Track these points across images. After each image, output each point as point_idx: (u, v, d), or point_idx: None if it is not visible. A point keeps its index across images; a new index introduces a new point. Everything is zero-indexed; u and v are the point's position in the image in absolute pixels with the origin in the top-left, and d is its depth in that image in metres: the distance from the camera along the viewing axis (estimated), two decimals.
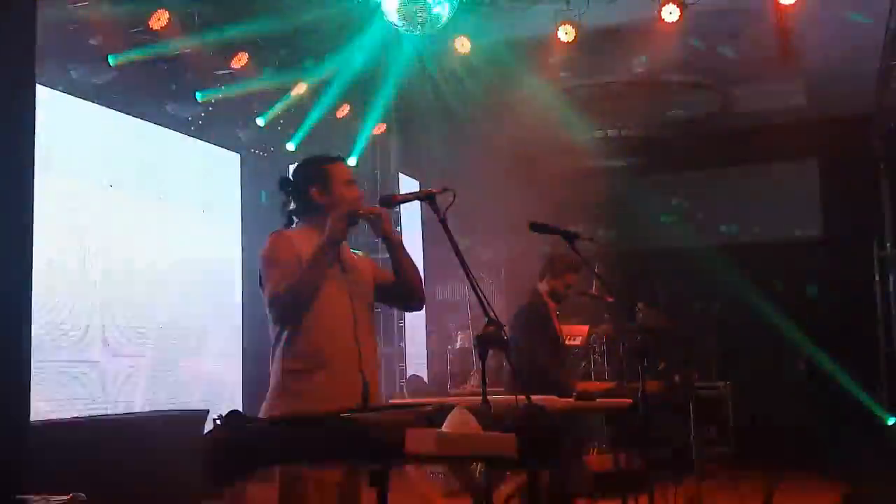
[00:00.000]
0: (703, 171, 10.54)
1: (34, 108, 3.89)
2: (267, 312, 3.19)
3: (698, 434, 6.42)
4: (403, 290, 3.42)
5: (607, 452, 7.91)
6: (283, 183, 3.43)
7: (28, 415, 3.35)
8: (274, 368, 3.17)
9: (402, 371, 11.38)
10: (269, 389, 3.15)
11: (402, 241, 3.44)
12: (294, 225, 3.38)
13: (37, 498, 2.42)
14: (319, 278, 3.15)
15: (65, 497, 2.47)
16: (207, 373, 8.54)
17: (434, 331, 11.59)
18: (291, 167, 8.47)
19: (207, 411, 7.90)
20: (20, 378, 3.26)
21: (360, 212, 3.30)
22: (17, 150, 3.68)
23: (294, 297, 3.10)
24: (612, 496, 6.87)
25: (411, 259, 3.43)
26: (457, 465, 5.39)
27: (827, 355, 9.34)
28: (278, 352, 3.15)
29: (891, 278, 9.53)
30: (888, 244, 9.49)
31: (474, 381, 9.42)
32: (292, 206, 3.40)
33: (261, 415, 3.06)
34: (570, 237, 4.19)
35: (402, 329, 11.56)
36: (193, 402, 7.97)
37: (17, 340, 3.31)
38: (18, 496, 2.42)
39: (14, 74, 3.76)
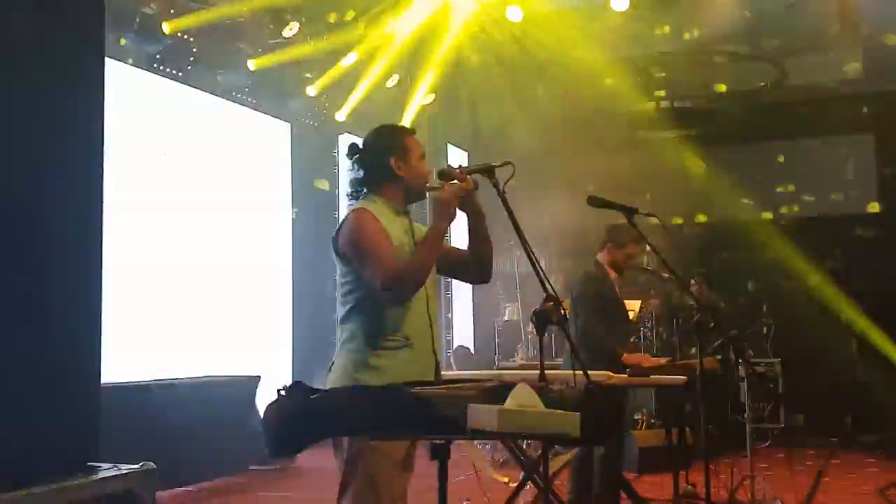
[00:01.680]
0: (757, 143, 10.36)
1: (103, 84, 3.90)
2: (368, 288, 3.07)
3: (751, 411, 6.35)
4: (479, 265, 3.36)
5: (656, 428, 7.88)
6: (354, 150, 3.32)
7: (99, 379, 3.39)
8: (350, 343, 3.11)
9: (450, 342, 11.42)
10: (344, 363, 3.09)
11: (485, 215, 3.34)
12: (363, 196, 3.27)
13: (108, 466, 2.45)
14: (436, 258, 3.13)
15: (135, 466, 2.50)
16: (258, 342, 8.62)
17: (481, 302, 11.60)
18: (344, 137, 8.47)
19: (259, 377, 8.03)
20: (92, 342, 3.31)
21: (466, 186, 3.19)
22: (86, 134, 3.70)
23: (416, 277, 3.05)
24: (661, 472, 6.86)
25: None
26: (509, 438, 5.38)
27: (880, 332, 9.18)
28: (356, 327, 3.09)
29: None
30: None
31: (521, 354, 9.42)
32: (361, 174, 3.29)
33: (328, 386, 3.05)
34: (630, 212, 4.14)
35: (449, 300, 11.59)
36: (245, 371, 8.07)
37: (88, 303, 3.35)
38: (90, 463, 2.45)
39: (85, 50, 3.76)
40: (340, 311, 3.17)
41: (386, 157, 3.23)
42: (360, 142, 3.38)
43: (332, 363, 3.15)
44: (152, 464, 2.54)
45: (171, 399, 7.05)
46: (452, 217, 3.15)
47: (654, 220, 4.31)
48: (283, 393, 2.71)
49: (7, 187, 3.20)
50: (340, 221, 3.20)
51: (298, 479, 7.39)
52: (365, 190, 3.27)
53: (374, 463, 2.96)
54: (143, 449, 5.67)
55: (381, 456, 2.97)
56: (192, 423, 6.99)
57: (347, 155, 3.33)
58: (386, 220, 3.15)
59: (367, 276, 3.05)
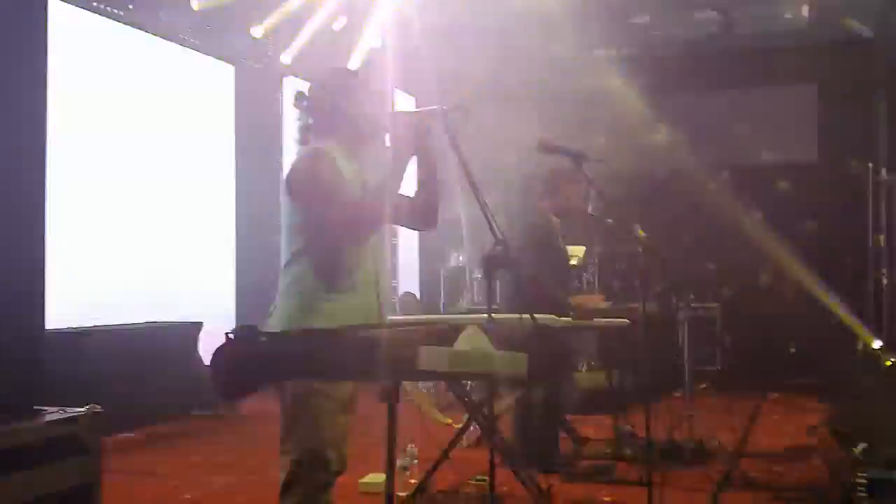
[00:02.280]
0: (701, 92, 10.46)
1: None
2: (318, 230, 3.03)
3: (690, 353, 6.51)
4: (426, 212, 3.30)
5: (598, 370, 8.04)
6: (302, 96, 3.25)
7: (43, 324, 3.35)
8: (296, 287, 3.08)
9: (395, 288, 11.45)
10: (289, 306, 3.06)
11: None
12: (312, 140, 3.21)
13: (53, 409, 2.44)
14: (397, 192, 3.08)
15: (81, 409, 2.48)
16: (201, 285, 8.55)
17: (427, 248, 11.63)
18: (289, 79, 8.30)
19: (201, 323, 7.98)
20: (34, 288, 3.26)
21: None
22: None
23: (378, 214, 3.04)
24: (602, 413, 7.03)
25: None
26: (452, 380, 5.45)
27: (818, 279, 9.43)
28: (303, 271, 3.06)
29: (883, 204, 9.56)
30: (883, 170, 9.50)
31: (467, 300, 9.50)
32: (310, 121, 3.23)
33: (274, 329, 3.04)
34: (579, 158, 4.18)
35: (394, 246, 11.59)
36: (189, 315, 8.01)
37: (31, 251, 3.29)
38: (36, 406, 2.43)
39: None
40: (285, 255, 3.12)
41: (336, 100, 3.18)
42: (305, 88, 3.32)
43: (274, 307, 3.10)
44: (98, 407, 2.52)
45: (112, 345, 6.99)
46: (412, 152, 3.11)
47: (603, 165, 4.35)
48: (231, 336, 2.71)
49: None
50: (294, 161, 3.14)
51: (242, 424, 7.42)
52: (313, 135, 3.22)
53: (318, 405, 2.96)
54: (86, 395, 5.66)
55: (325, 398, 2.97)
56: (135, 368, 6.95)
57: (295, 103, 3.26)
58: (339, 163, 3.11)
59: (324, 215, 3.00)
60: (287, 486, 3.00)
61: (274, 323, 3.02)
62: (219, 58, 9.06)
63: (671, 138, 9.59)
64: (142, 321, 7.64)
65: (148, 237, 7.88)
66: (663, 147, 9.52)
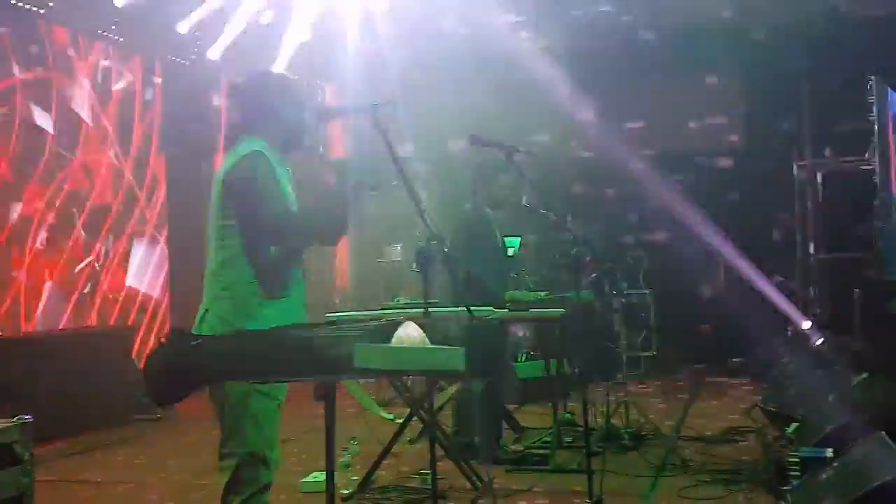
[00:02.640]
0: (627, 80, 10.55)
1: None
2: (253, 236, 3.03)
3: (625, 339, 6.61)
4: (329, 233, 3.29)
5: (536, 359, 8.11)
6: (237, 91, 3.26)
7: None
8: (228, 292, 3.04)
9: (331, 284, 11.38)
10: (221, 312, 3.02)
11: None
12: (244, 139, 3.16)
13: None
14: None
15: (11, 420, 2.42)
16: (134, 291, 8.40)
17: (363, 244, 11.57)
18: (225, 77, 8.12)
19: (135, 328, 7.84)
20: None
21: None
22: None
23: (309, 236, 3.15)
24: (541, 402, 7.09)
25: None
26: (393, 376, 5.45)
27: (748, 262, 9.64)
28: (236, 275, 3.03)
29: (808, 189, 9.80)
30: (807, 155, 9.74)
31: (405, 294, 9.46)
32: (241, 117, 3.21)
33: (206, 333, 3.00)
34: (509, 151, 4.20)
35: None
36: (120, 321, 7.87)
37: None
38: None
39: None
40: (217, 259, 3.08)
41: (272, 100, 3.17)
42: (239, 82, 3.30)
43: (205, 312, 3.06)
44: (28, 417, 2.47)
45: (47, 351, 6.86)
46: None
47: (533, 157, 4.38)
48: (164, 341, 2.67)
49: None
50: (233, 161, 3.08)
51: (181, 426, 7.30)
52: (244, 133, 3.18)
53: (259, 405, 2.97)
54: (23, 403, 5.53)
55: (265, 397, 2.98)
56: (71, 374, 6.81)
57: (229, 94, 3.28)
58: (274, 168, 3.09)
59: (262, 224, 3.00)
60: (230, 488, 3.00)
61: (207, 328, 2.98)
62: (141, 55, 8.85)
63: (600, 127, 9.69)
64: (76, 327, 7.50)
65: (82, 241, 7.70)
66: (593, 136, 9.60)
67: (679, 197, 9.60)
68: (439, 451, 5.22)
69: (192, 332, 2.95)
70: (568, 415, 6.30)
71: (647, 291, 8.80)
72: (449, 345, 2.49)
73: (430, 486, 5.03)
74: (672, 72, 10.07)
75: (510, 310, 5.33)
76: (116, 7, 7.81)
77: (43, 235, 7.29)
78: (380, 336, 2.45)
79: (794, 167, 9.81)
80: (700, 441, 6.11)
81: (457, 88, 9.01)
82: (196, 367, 2.37)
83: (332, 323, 3.18)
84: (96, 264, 7.87)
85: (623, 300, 6.60)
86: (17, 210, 7.06)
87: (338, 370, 2.36)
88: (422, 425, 5.89)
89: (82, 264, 7.72)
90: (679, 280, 9.40)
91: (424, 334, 2.44)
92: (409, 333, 2.42)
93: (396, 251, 9.66)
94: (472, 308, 3.45)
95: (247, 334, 2.77)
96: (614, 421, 6.11)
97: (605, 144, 9.72)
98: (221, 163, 3.19)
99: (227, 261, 3.06)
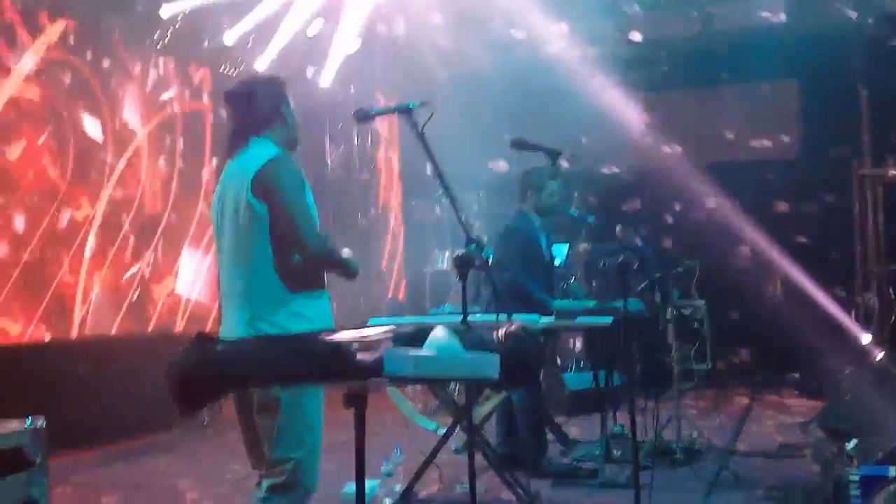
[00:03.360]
0: (683, 90, 10.38)
1: None
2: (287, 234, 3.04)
3: (677, 352, 6.43)
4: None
5: (586, 370, 7.96)
6: (240, 96, 3.27)
7: None
8: (275, 288, 3.03)
9: (381, 294, 11.36)
10: (256, 310, 2.99)
11: None
12: (257, 142, 3.16)
13: None
14: None
15: (21, 423, 2.38)
16: (182, 299, 8.44)
17: (412, 252, 11.54)
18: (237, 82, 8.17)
19: (182, 336, 7.85)
20: None
21: None
22: None
23: (327, 269, 3.15)
24: (590, 413, 6.95)
25: None
26: (435, 384, 5.36)
27: (804, 274, 9.39)
28: (281, 272, 3.03)
29: (868, 197, 9.51)
30: (867, 164, 9.45)
31: (452, 302, 9.39)
32: (246, 119, 3.22)
33: (231, 335, 2.97)
34: (554, 154, 4.10)
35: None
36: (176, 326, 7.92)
37: None
38: None
39: None
40: (245, 256, 3.05)
41: (278, 103, 3.24)
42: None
43: (236, 310, 3.04)
44: (41, 419, 2.42)
45: (95, 357, 6.92)
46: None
47: (579, 162, 4.27)
48: (186, 347, 2.61)
49: None
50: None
51: (220, 435, 7.26)
52: (254, 136, 3.18)
53: (310, 404, 3.00)
54: (68, 407, 5.56)
55: (315, 398, 3.02)
56: (117, 380, 6.86)
57: (226, 99, 3.29)
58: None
59: (297, 235, 3.01)
60: (280, 490, 3.01)
61: (233, 327, 2.94)
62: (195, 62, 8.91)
63: (652, 136, 9.52)
64: (124, 333, 7.54)
65: (133, 248, 7.76)
66: (645, 145, 9.44)
67: (735, 207, 9.39)
68: (484, 463, 5.15)
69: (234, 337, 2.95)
70: (618, 428, 6.15)
71: (700, 303, 8.59)
72: (485, 351, 2.40)
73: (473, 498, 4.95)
74: (727, 78, 9.88)
75: (556, 318, 5.21)
76: (165, 18, 7.88)
77: (93, 242, 7.35)
78: (411, 341, 2.37)
79: (854, 176, 9.52)
80: (755, 457, 5.92)
81: (503, 95, 8.94)
82: (220, 373, 2.30)
83: (368, 327, 3.10)
84: (145, 272, 7.92)
85: (675, 311, 6.41)
86: (67, 215, 7.12)
87: (367, 375, 2.27)
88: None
89: (131, 271, 7.77)
90: (735, 292, 9.19)
91: (457, 340, 2.34)
92: (442, 339, 2.32)
93: (444, 259, 9.58)
94: (514, 316, 3.36)
95: (272, 339, 2.72)
96: (665, 435, 5.95)
97: (659, 153, 9.57)
98: (234, 164, 3.17)
99: (258, 258, 3.03)
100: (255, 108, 3.20)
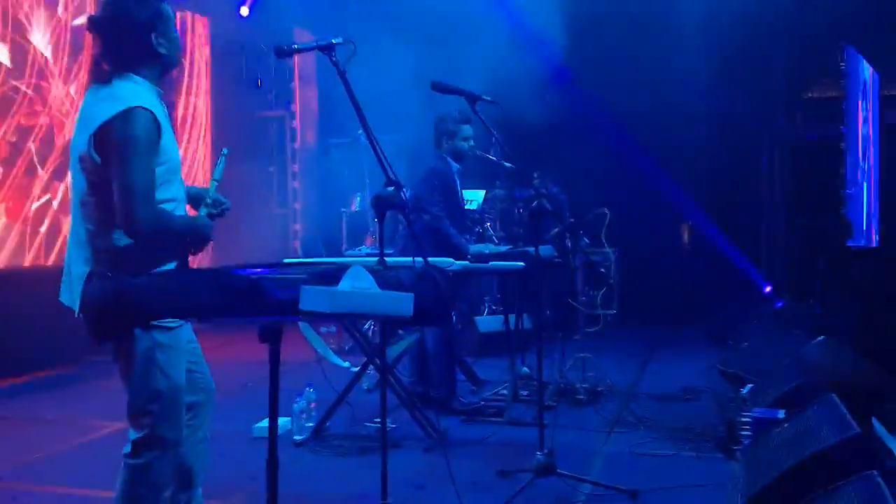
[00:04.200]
0: (604, 42, 10.40)
1: None
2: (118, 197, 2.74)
3: (585, 296, 6.60)
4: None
5: (498, 314, 8.11)
6: (100, 23, 2.87)
7: None
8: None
9: (297, 232, 11.29)
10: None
11: None
12: (117, 76, 2.83)
13: None
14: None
15: None
16: None
17: (329, 193, 11.46)
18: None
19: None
20: None
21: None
22: None
23: (156, 236, 2.80)
24: (500, 355, 7.10)
25: None
26: (350, 323, 5.42)
27: (713, 224, 9.67)
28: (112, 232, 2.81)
29: (776, 153, 9.82)
30: (779, 121, 9.73)
31: (369, 244, 9.40)
32: (110, 50, 2.85)
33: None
34: (473, 98, 4.13)
35: (295, 191, 11.40)
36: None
37: None
38: None
39: None
40: (82, 211, 2.88)
41: (147, 33, 2.85)
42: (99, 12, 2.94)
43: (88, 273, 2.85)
44: None
45: (4, 289, 6.78)
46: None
47: (498, 107, 4.30)
48: (108, 275, 2.59)
49: None
50: (114, 113, 2.72)
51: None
52: (114, 69, 2.83)
53: (163, 356, 2.86)
54: None
55: (170, 349, 2.88)
56: (26, 313, 6.73)
57: (89, 28, 2.89)
58: (158, 110, 2.81)
59: (120, 198, 2.71)
60: (144, 444, 2.89)
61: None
62: None
63: (573, 83, 9.59)
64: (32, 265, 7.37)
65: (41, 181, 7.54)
66: (564, 92, 9.50)
67: (648, 158, 9.57)
68: (396, 401, 5.24)
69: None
70: (525, 369, 6.31)
71: (609, 250, 8.78)
72: (400, 290, 2.44)
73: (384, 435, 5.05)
74: (640, 30, 9.94)
75: (471, 262, 5.30)
76: None
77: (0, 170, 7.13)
78: (327, 279, 2.39)
79: (766, 131, 9.80)
80: (655, 399, 6.15)
81: (425, 36, 8.85)
82: (136, 303, 2.29)
83: (284, 264, 3.12)
84: (54, 203, 7.71)
85: (585, 257, 6.57)
86: None
87: (282, 311, 2.30)
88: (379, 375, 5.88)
89: (39, 202, 7.56)
90: (644, 240, 9.41)
91: (373, 279, 2.38)
92: (357, 277, 2.36)
93: (361, 200, 9.56)
94: (431, 259, 3.41)
95: (189, 272, 2.70)
96: (570, 377, 6.13)
97: (575, 103, 9.64)
98: (87, 100, 2.86)
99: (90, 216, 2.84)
100: (115, 40, 2.84)
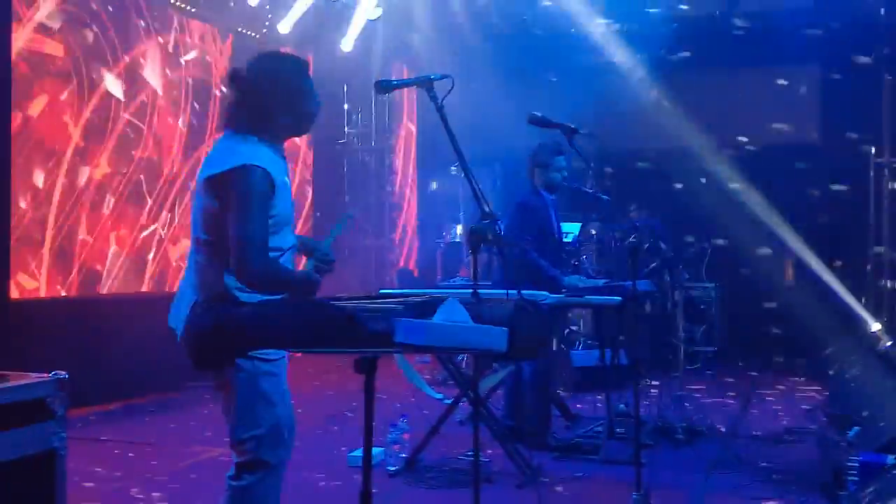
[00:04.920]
0: (705, 71, 10.31)
1: None
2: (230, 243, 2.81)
3: (684, 333, 6.46)
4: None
5: (593, 348, 8.00)
6: (239, 80, 2.97)
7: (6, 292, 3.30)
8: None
9: (393, 263, 11.42)
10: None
11: None
12: (242, 134, 2.94)
13: (14, 374, 2.39)
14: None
15: (45, 376, 2.44)
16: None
17: (425, 224, 11.57)
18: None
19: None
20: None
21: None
22: None
23: (269, 287, 2.83)
24: (595, 391, 7.00)
25: None
26: (444, 355, 5.42)
27: (819, 260, 9.38)
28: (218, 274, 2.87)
29: (885, 186, 9.47)
30: (886, 152, 9.40)
31: (463, 275, 9.45)
32: (243, 110, 2.95)
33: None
34: (569, 132, 4.12)
35: (393, 221, 11.55)
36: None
37: None
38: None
39: None
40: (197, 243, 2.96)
41: (281, 101, 2.95)
42: (244, 67, 3.01)
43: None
44: (63, 373, 2.48)
45: (110, 315, 7.02)
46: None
47: (595, 140, 4.28)
48: (210, 305, 2.66)
49: None
50: (228, 163, 2.85)
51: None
52: (241, 124, 2.95)
53: (267, 384, 2.90)
54: (80, 364, 5.65)
55: (273, 377, 2.92)
56: (130, 339, 6.95)
57: (231, 79, 2.99)
58: (274, 168, 2.89)
59: (236, 247, 2.78)
60: (245, 468, 2.94)
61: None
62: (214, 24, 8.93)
63: (672, 116, 9.48)
64: (139, 292, 7.64)
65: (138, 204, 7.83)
66: (663, 124, 9.40)
67: (751, 191, 9.37)
68: (488, 435, 5.21)
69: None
70: (622, 406, 6.20)
71: (710, 285, 8.60)
72: (494, 324, 2.43)
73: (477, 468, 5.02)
74: (749, 62, 9.80)
75: (566, 295, 5.25)
76: None
77: (111, 201, 7.42)
78: (422, 312, 2.40)
79: (871, 164, 9.48)
80: (758, 440, 5.96)
81: (523, 70, 8.92)
82: (234, 334, 2.35)
83: (380, 296, 3.15)
84: (161, 232, 7.99)
85: (684, 292, 6.43)
86: (85, 174, 7.18)
87: (378, 344, 2.32)
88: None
89: (147, 231, 7.84)
90: (746, 275, 9.20)
91: (468, 313, 2.38)
92: (452, 310, 2.36)
93: (457, 232, 9.62)
94: (524, 291, 3.39)
95: (289, 302, 2.73)
96: (668, 415, 6.00)
97: (676, 135, 9.53)
98: (217, 148, 3.00)
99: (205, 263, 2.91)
100: (250, 103, 2.95)
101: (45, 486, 2.35)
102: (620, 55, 9.59)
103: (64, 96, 6.96)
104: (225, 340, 2.40)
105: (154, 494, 4.78)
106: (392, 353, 2.42)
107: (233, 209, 2.80)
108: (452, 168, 8.52)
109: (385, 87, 3.44)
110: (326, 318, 2.33)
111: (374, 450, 5.21)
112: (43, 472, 2.34)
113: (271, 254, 2.86)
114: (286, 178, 2.98)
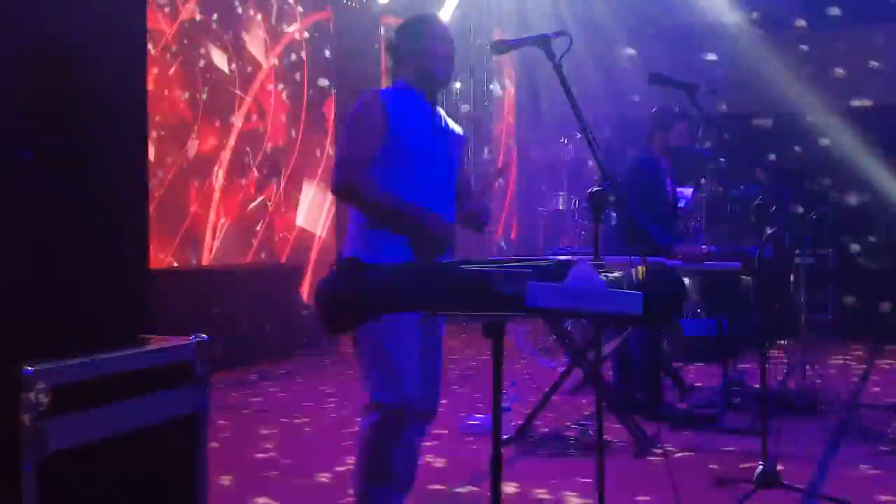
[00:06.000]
0: (827, 32, 9.80)
1: None
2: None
3: (804, 300, 6.23)
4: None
5: (703, 317, 7.80)
6: (387, 48, 3.42)
7: (146, 255, 3.36)
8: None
9: (491, 232, 11.34)
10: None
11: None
12: (394, 84, 3.33)
13: (157, 338, 2.43)
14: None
15: (187, 339, 2.47)
16: (303, 231, 8.60)
17: (525, 192, 11.46)
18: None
19: (303, 267, 8.06)
20: (140, 225, 3.28)
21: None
22: None
23: (358, 201, 3.13)
24: (708, 360, 6.83)
25: None
26: (565, 321, 5.34)
27: None
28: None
29: None
30: None
31: (567, 243, 9.31)
32: (391, 63, 3.37)
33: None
34: (691, 89, 3.97)
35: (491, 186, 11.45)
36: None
37: (134, 190, 3.28)
38: (141, 336, 2.43)
39: None
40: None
41: (408, 44, 3.27)
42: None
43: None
44: (205, 336, 2.51)
45: (220, 285, 7.19)
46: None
47: (717, 99, 4.12)
48: (335, 269, 2.65)
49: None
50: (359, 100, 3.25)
51: (342, 365, 7.44)
52: (393, 77, 3.35)
53: (394, 349, 3.06)
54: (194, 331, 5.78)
55: (401, 344, 3.06)
56: (241, 309, 7.12)
57: (385, 46, 3.50)
58: (402, 107, 3.16)
59: (337, 157, 3.20)
60: (369, 433, 3.10)
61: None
62: None
63: (792, 77, 9.09)
64: (248, 262, 7.79)
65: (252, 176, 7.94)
66: (783, 86, 9.01)
67: (879, 155, 8.94)
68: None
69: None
70: (737, 375, 6.02)
71: (829, 251, 8.27)
72: (624, 289, 2.35)
73: (585, 438, 4.95)
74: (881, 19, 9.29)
75: (683, 262, 5.11)
76: None
77: (219, 173, 7.54)
78: (552, 276, 2.33)
79: None
80: (880, 409, 5.72)
81: (637, 33, 8.65)
82: (366, 297, 2.32)
83: (507, 260, 3.09)
84: (268, 203, 8.09)
85: (805, 258, 6.18)
86: (193, 148, 7.31)
87: (509, 307, 2.26)
88: (582, 376, 5.78)
89: (255, 203, 7.95)
90: (868, 242, 8.83)
91: (599, 276, 2.30)
92: (584, 274, 2.28)
93: (559, 199, 9.48)
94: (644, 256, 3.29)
95: (419, 266, 2.72)
96: (789, 383, 5.80)
97: (795, 96, 9.13)
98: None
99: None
100: (391, 51, 3.35)
101: (188, 448, 2.38)
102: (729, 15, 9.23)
103: (171, 71, 7.08)
104: (352, 307, 2.38)
105: (272, 454, 4.86)
106: (522, 316, 2.36)
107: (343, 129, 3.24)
108: (563, 139, 8.36)
109: (500, 47, 3.36)
110: (454, 281, 2.29)
111: (482, 417, 5.20)
112: (187, 434, 2.38)
113: (388, 181, 3.06)
114: (422, 121, 3.20)
